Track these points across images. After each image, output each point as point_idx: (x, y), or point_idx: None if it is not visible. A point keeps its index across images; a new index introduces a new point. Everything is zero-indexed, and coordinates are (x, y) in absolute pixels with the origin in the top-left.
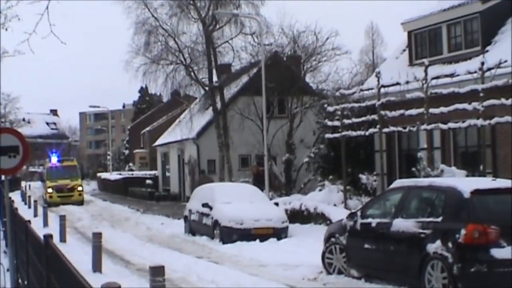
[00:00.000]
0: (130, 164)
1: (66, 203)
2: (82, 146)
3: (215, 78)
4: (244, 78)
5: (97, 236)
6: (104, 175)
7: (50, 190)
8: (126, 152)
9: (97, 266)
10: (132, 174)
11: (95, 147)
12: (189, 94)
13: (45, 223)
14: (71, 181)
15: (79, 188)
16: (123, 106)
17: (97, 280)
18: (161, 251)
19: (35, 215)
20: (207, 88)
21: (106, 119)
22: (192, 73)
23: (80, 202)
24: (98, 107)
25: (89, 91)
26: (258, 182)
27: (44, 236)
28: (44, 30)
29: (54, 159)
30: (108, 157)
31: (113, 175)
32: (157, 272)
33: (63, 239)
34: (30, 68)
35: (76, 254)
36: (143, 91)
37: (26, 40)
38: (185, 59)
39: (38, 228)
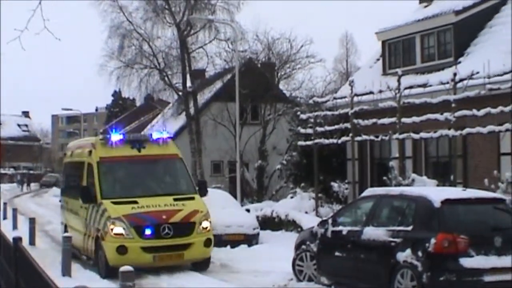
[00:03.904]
0: None
1: (168, 266)
2: (53, 149)
3: (189, 83)
4: (218, 84)
5: (67, 240)
6: None
7: (118, 228)
8: None
9: (66, 270)
10: None
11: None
12: (162, 99)
13: (15, 226)
14: (176, 201)
15: (204, 224)
16: (96, 110)
17: (66, 284)
18: None
19: (4, 217)
20: (180, 93)
21: (79, 122)
22: (166, 78)
23: (205, 263)
24: (71, 109)
25: (62, 94)
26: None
27: (14, 239)
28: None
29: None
30: None
31: None
32: (127, 277)
33: (32, 242)
34: (1, 68)
35: (46, 257)
36: (117, 94)
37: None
38: (159, 64)
39: (7, 231)
